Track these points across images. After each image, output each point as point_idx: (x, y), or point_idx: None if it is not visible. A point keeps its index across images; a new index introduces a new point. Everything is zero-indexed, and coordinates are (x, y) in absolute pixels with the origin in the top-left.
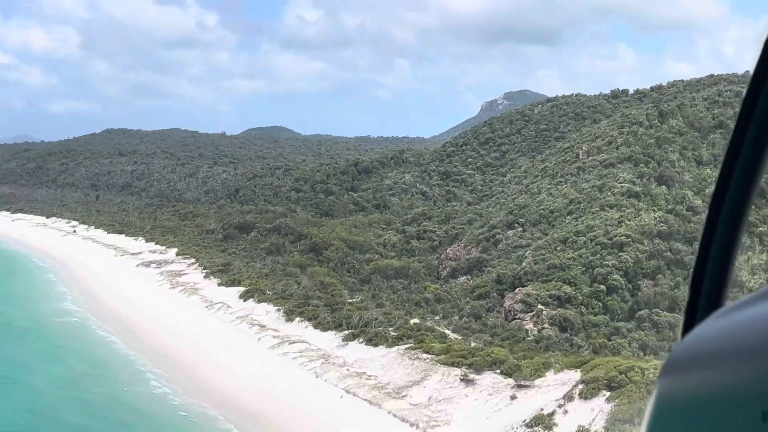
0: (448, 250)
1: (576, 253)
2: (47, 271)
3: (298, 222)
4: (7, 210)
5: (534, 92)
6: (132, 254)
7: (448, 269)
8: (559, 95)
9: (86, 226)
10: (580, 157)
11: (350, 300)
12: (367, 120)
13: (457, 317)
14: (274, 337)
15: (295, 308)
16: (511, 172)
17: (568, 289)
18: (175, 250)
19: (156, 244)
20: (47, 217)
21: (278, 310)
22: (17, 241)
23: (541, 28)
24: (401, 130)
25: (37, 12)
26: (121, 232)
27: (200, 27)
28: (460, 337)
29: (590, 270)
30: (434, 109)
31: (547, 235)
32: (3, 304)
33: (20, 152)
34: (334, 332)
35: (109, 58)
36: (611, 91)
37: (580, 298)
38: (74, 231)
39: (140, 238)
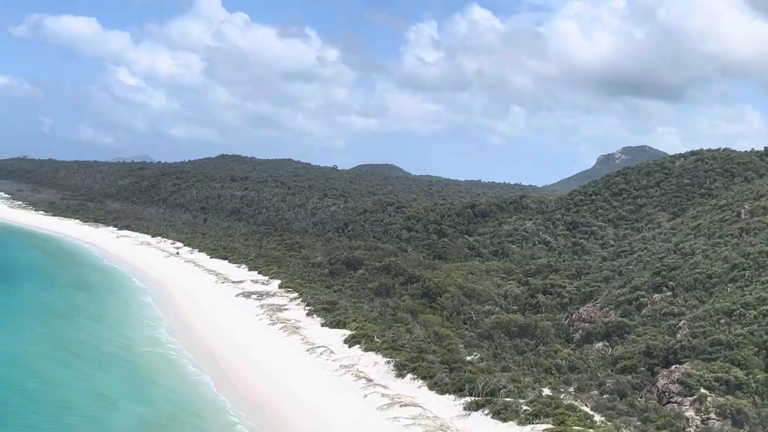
0: (580, 310)
1: (746, 330)
2: (145, 293)
3: (409, 263)
4: (115, 226)
5: (654, 149)
6: (233, 282)
7: (581, 332)
8: (704, 148)
9: (190, 248)
10: (742, 216)
11: (469, 358)
12: (477, 165)
13: (596, 392)
14: (383, 395)
15: (408, 362)
16: (650, 228)
17: (738, 372)
18: (278, 281)
19: (259, 273)
20: (152, 236)
21: (388, 362)
22: (119, 258)
23: (665, 83)
24: (511, 177)
25: (166, 38)
26: (224, 258)
27: (321, 62)
28: (605, 419)
29: (764, 351)
30: (547, 159)
31: (704, 303)
32: (97, 326)
33: (135, 170)
34: (452, 397)
35: (230, 86)
36: (765, 148)
37: (754, 386)
38: (177, 253)
39: (243, 265)
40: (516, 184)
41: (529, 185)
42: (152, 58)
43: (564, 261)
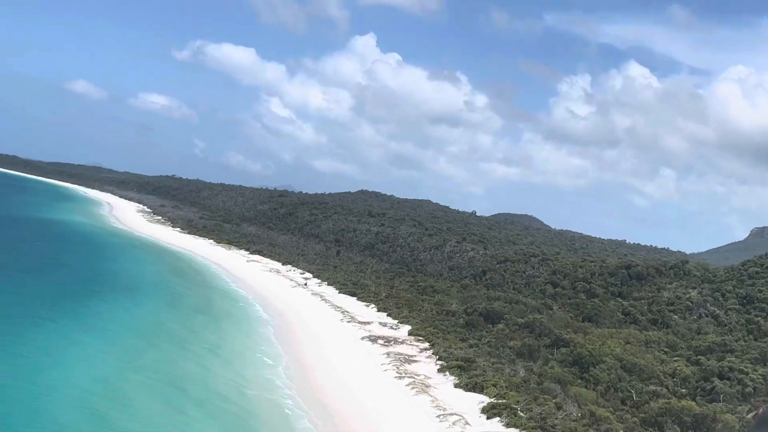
0: None
1: None
2: (267, 324)
3: (555, 322)
4: (247, 249)
5: None
6: (360, 323)
7: None
8: None
9: (319, 280)
10: None
11: None
12: (618, 224)
13: None
14: None
15: None
16: None
17: None
18: (409, 327)
19: (388, 315)
20: (283, 264)
21: None
22: (246, 284)
23: None
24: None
25: (319, 73)
26: (353, 294)
27: (468, 106)
28: None
29: None
30: (693, 226)
31: None
32: (212, 358)
33: (276, 197)
34: None
35: (377, 124)
36: None
37: None
38: (305, 284)
39: (372, 305)
40: (664, 249)
41: (678, 251)
42: (304, 91)
43: (738, 340)
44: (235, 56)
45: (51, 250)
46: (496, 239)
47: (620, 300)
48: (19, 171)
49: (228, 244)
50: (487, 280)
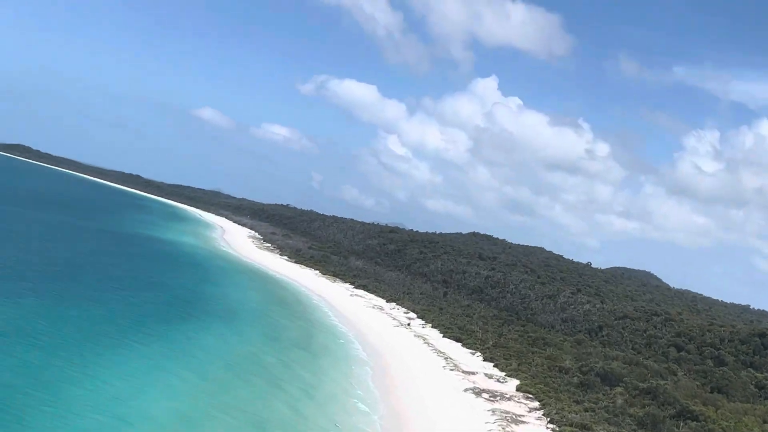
0: None
1: None
2: (366, 365)
3: (681, 390)
4: (352, 283)
5: None
6: (463, 372)
7: None
8: None
9: (423, 322)
10: None
11: None
12: (742, 288)
13: None
14: None
15: None
16: None
17: None
18: (517, 382)
19: (495, 366)
20: (387, 301)
21: None
22: (347, 319)
23: None
24: None
25: (438, 114)
26: (458, 340)
27: (589, 155)
28: None
29: None
30: None
31: None
32: (306, 400)
33: (386, 233)
34: None
35: (493, 168)
36: None
37: None
38: (409, 324)
39: (478, 353)
40: None
41: None
42: (423, 130)
43: None
44: (357, 92)
45: (153, 268)
46: (612, 293)
47: (752, 371)
48: (140, 190)
49: (333, 276)
50: (603, 336)
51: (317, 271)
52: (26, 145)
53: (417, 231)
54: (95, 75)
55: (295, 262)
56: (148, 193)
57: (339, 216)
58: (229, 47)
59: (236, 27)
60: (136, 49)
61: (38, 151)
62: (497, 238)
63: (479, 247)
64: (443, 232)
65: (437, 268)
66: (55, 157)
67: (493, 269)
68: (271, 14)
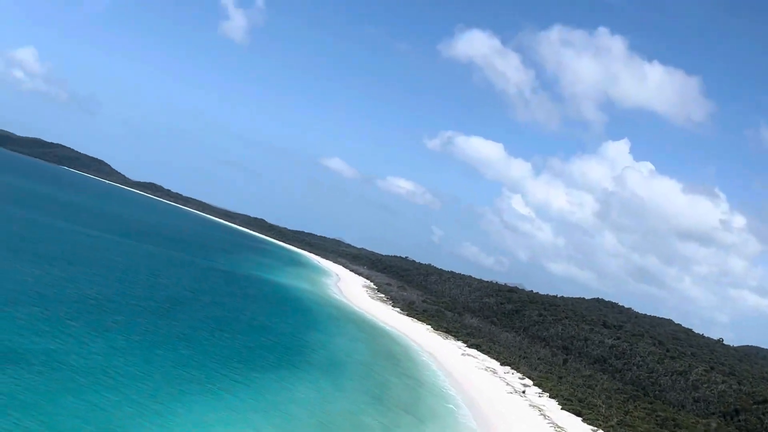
0: None
1: None
2: None
3: None
4: (464, 342)
5: None
6: None
7: None
8: None
9: (540, 390)
10: None
11: None
12: None
13: None
14: None
15: None
16: None
17: None
18: None
19: None
20: (501, 364)
21: None
22: (456, 381)
23: None
24: None
25: (566, 175)
26: (578, 414)
27: (724, 226)
28: None
29: None
30: None
31: None
32: None
33: (504, 292)
34: None
35: (620, 233)
36: None
37: None
38: (524, 391)
39: (600, 431)
40: None
41: None
42: (547, 191)
43: None
44: (484, 149)
45: (257, 310)
46: (748, 374)
47: None
48: (263, 234)
49: (446, 332)
50: (740, 421)
51: (429, 326)
52: (159, 184)
53: (537, 292)
54: (230, 121)
55: (408, 315)
56: (271, 237)
57: (457, 272)
58: (359, 100)
59: (368, 80)
60: (270, 97)
61: (169, 190)
62: (623, 306)
63: (603, 314)
64: (564, 295)
65: (557, 332)
66: (185, 197)
67: (618, 338)
68: (402, 69)
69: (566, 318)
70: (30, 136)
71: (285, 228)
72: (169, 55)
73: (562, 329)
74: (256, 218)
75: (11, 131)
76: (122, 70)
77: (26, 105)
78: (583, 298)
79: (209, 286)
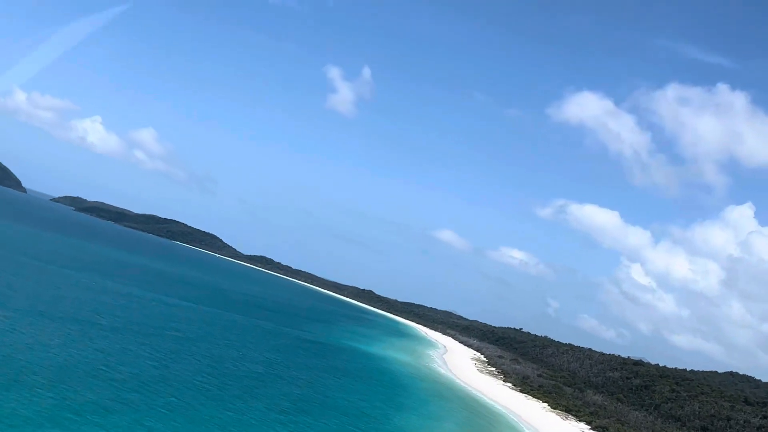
0: None
1: None
2: None
3: None
4: (588, 423)
5: None
6: None
7: None
8: None
9: None
10: None
11: None
12: None
13: None
14: None
15: None
16: None
17: None
18: None
19: None
20: None
21: None
22: None
23: None
24: None
25: (687, 242)
26: None
27: None
28: None
29: None
30: None
31: None
32: None
33: (629, 365)
34: None
35: (748, 302)
36: None
37: None
38: None
39: None
40: None
41: None
42: (668, 260)
43: None
44: (598, 218)
45: (339, 386)
46: None
47: None
48: (371, 305)
49: (565, 411)
50: None
51: (545, 405)
52: (269, 257)
53: (665, 366)
54: (338, 193)
55: (521, 390)
56: (378, 308)
57: (575, 344)
58: (468, 169)
59: (476, 149)
60: (378, 170)
61: (279, 263)
62: (759, 381)
63: (740, 389)
64: (692, 369)
65: (694, 411)
66: (294, 269)
67: (765, 417)
68: (511, 135)
69: (702, 394)
70: (146, 212)
71: (395, 300)
72: (280, 130)
73: (699, 407)
74: (364, 290)
75: (130, 209)
76: (237, 147)
77: (146, 184)
78: (716, 372)
79: (294, 359)
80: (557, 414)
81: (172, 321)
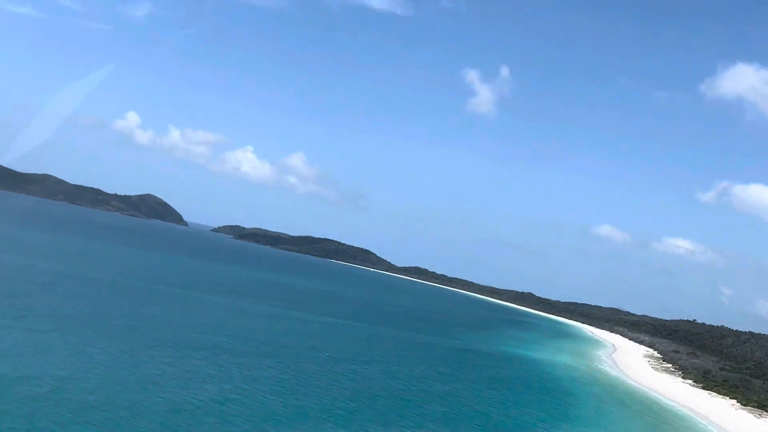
0: None
1: None
2: None
3: None
4: None
5: None
6: None
7: None
8: None
9: None
10: None
11: None
12: None
13: None
14: None
15: None
16: None
17: None
18: None
19: None
20: None
21: None
22: None
23: None
24: None
25: None
26: None
27: None
28: None
29: None
30: None
31: None
32: None
33: None
34: None
35: None
36: None
37: None
38: None
39: None
40: None
41: None
42: None
43: None
44: (765, 197)
45: (492, 398)
46: None
47: None
48: (530, 308)
49: (758, 407)
50: None
51: (734, 401)
52: (423, 267)
53: None
54: (486, 198)
55: (703, 387)
56: (539, 310)
57: (756, 332)
58: (620, 160)
59: (627, 137)
60: (526, 170)
61: (434, 272)
62: None
63: None
64: None
65: None
66: (450, 278)
67: None
68: (662, 119)
69: None
70: (301, 234)
71: (557, 301)
72: (424, 140)
73: None
74: (523, 292)
75: (286, 232)
76: (384, 162)
77: (300, 206)
78: None
79: (442, 371)
80: (749, 411)
81: (323, 340)
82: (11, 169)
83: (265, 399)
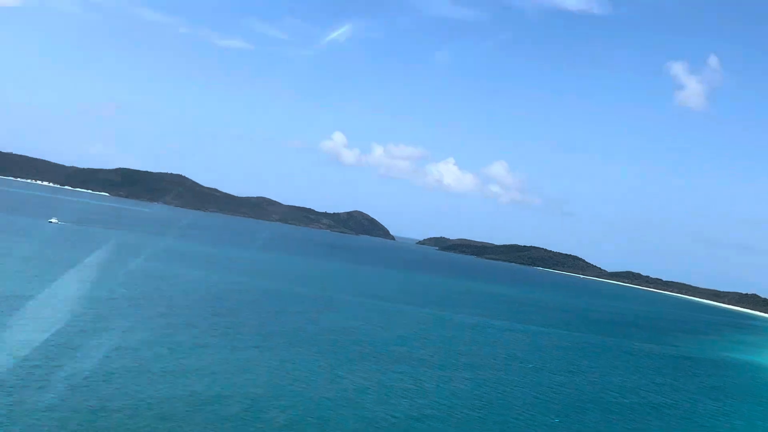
0: None
1: None
2: None
3: None
4: None
5: None
6: None
7: None
8: None
9: None
10: None
11: None
12: None
13: None
14: None
15: None
16: None
17: None
18: None
19: None
20: None
21: None
22: None
23: None
24: None
25: None
26: None
27: None
28: None
29: None
30: None
31: None
32: None
33: None
34: None
35: None
36: None
37: None
38: None
39: None
40: None
41: None
42: None
43: None
44: None
45: (714, 410)
46: None
47: None
48: (756, 310)
49: None
50: None
51: None
52: (636, 272)
53: None
54: (697, 197)
55: None
56: (766, 312)
57: None
58: None
59: None
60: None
61: (647, 276)
62: None
63: None
64: None
65: None
66: (665, 281)
67: None
68: None
69: None
70: (506, 243)
71: None
72: (630, 142)
73: None
74: (747, 294)
75: (490, 241)
76: (590, 168)
77: (503, 215)
78: None
79: (664, 380)
80: None
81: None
82: (229, 194)
83: (463, 414)
